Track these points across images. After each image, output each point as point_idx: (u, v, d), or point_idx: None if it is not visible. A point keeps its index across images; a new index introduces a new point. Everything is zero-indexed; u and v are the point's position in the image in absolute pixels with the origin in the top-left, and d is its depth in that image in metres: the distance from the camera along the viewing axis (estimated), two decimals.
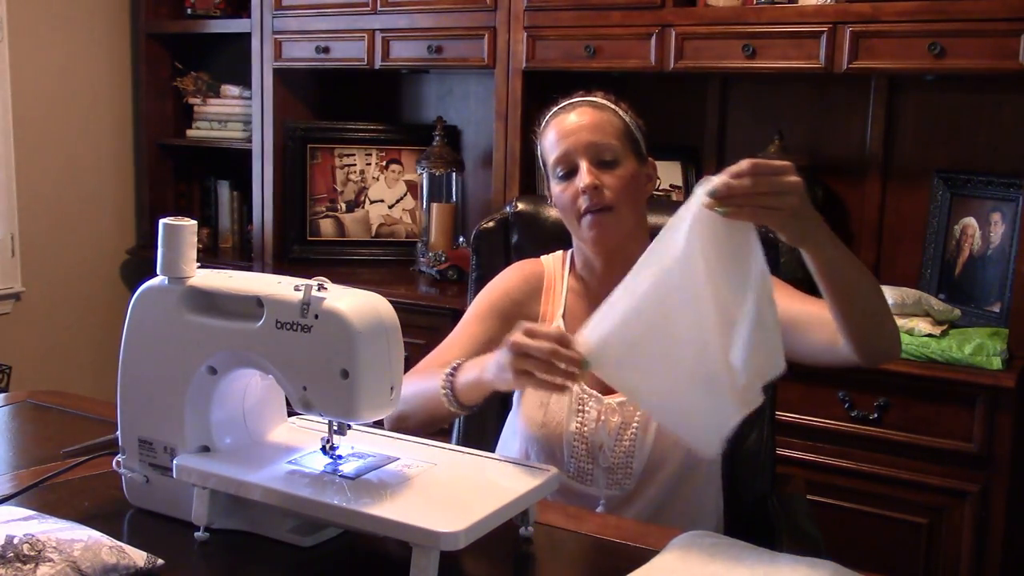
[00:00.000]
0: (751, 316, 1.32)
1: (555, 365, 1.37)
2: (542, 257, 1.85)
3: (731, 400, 1.34)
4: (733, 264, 1.33)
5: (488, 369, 1.49)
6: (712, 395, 1.34)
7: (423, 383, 1.61)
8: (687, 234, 1.32)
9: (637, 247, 1.61)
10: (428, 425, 1.61)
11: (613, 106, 1.73)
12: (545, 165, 1.75)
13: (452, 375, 1.57)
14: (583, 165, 1.66)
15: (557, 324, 1.74)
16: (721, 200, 1.28)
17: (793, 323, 1.57)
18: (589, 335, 1.39)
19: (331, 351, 1.24)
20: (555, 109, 1.75)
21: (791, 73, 2.86)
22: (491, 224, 2.03)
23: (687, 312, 1.33)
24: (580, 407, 1.68)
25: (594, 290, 1.75)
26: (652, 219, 1.85)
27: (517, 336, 1.41)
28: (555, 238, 1.90)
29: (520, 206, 2.02)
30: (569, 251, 1.83)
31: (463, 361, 1.58)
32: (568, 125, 1.69)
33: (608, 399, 1.67)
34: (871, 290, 1.48)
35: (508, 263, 1.91)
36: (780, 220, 1.33)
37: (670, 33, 2.84)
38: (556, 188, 1.71)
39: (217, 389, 1.36)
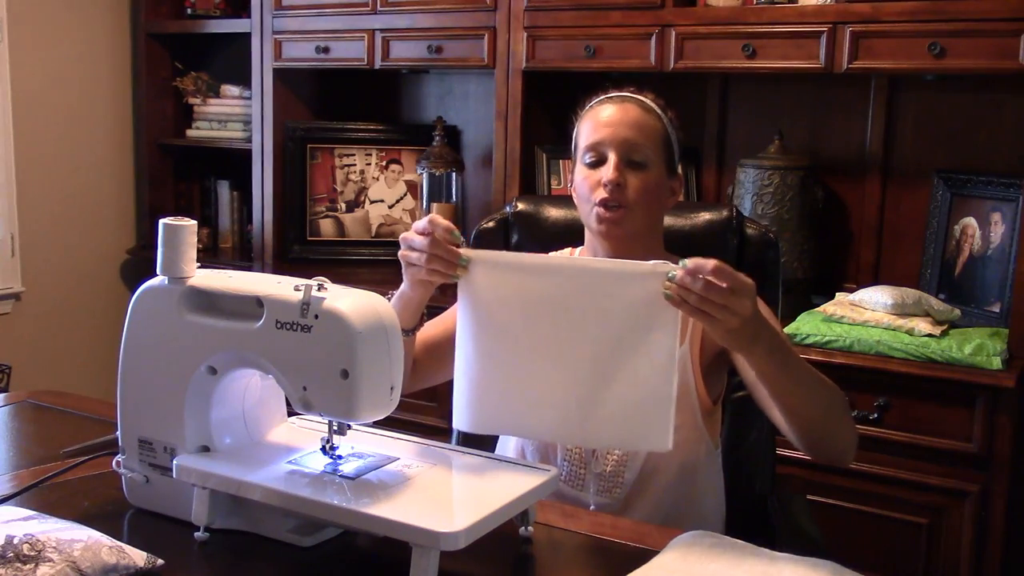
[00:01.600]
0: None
1: (436, 256, 1.46)
2: (551, 254, 1.84)
3: (645, 395, 1.40)
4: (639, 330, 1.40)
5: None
6: (621, 400, 1.41)
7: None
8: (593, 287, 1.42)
9: (645, 253, 1.64)
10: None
11: (659, 111, 1.71)
12: (576, 148, 1.73)
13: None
14: (612, 159, 1.65)
15: None
16: (673, 288, 1.35)
17: (756, 389, 1.61)
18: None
19: (331, 351, 1.25)
20: (603, 96, 1.73)
21: (791, 73, 2.86)
22: (491, 224, 2.03)
23: (558, 344, 1.43)
24: None
25: None
26: None
27: (406, 232, 1.50)
28: (555, 238, 1.90)
29: (520, 206, 2.02)
30: (577, 248, 1.82)
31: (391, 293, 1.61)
32: (609, 116, 1.68)
33: None
34: (816, 403, 1.51)
35: None
36: (716, 330, 1.37)
37: (670, 33, 2.83)
38: (580, 173, 1.70)
39: (217, 389, 1.36)
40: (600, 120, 1.69)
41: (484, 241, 2.02)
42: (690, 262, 1.34)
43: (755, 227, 1.91)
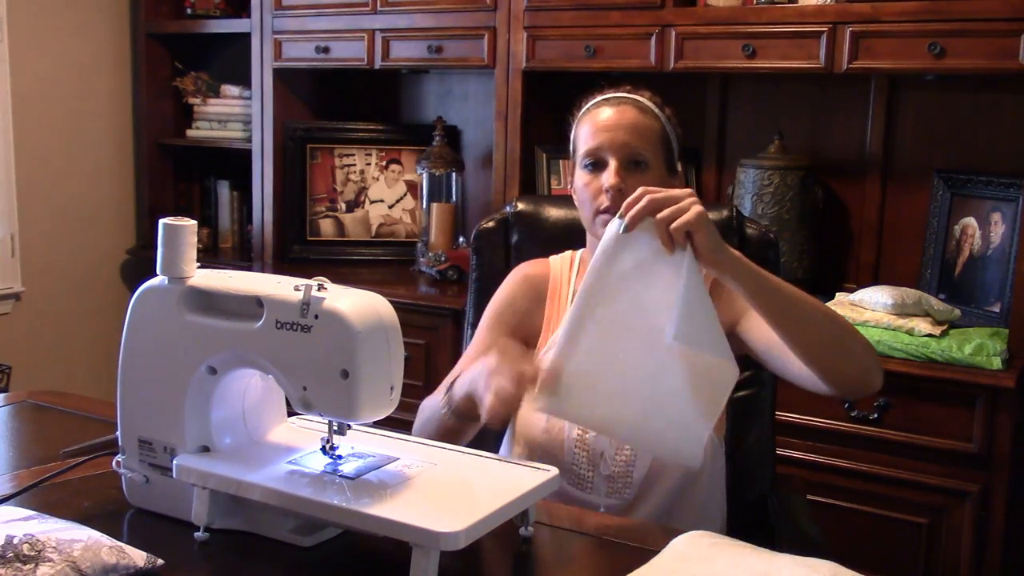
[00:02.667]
0: (684, 333, 1.37)
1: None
2: (551, 258, 1.84)
3: (695, 412, 1.40)
4: (659, 284, 1.40)
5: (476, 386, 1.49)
6: (675, 411, 1.41)
7: (427, 411, 1.65)
8: (612, 267, 1.42)
9: None
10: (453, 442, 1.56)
11: (657, 110, 1.70)
12: (574, 152, 1.73)
13: (449, 390, 1.59)
14: (612, 164, 1.64)
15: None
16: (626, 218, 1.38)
17: (769, 349, 1.59)
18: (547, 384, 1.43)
19: (331, 351, 1.24)
20: (599, 99, 1.72)
21: (791, 73, 2.86)
22: (491, 224, 2.03)
23: (631, 339, 1.41)
24: None
25: None
26: None
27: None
28: (555, 238, 1.90)
29: (520, 206, 2.02)
30: (578, 251, 1.82)
31: (455, 379, 1.60)
32: (606, 119, 1.67)
33: None
34: (820, 326, 1.47)
35: (508, 263, 1.90)
36: (693, 238, 1.37)
37: (670, 33, 2.84)
38: (580, 178, 1.69)
39: (217, 389, 1.36)
40: (597, 124, 1.68)
41: (484, 241, 2.02)
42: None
43: (755, 227, 1.91)
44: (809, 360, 1.48)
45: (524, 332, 1.76)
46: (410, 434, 1.50)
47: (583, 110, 1.73)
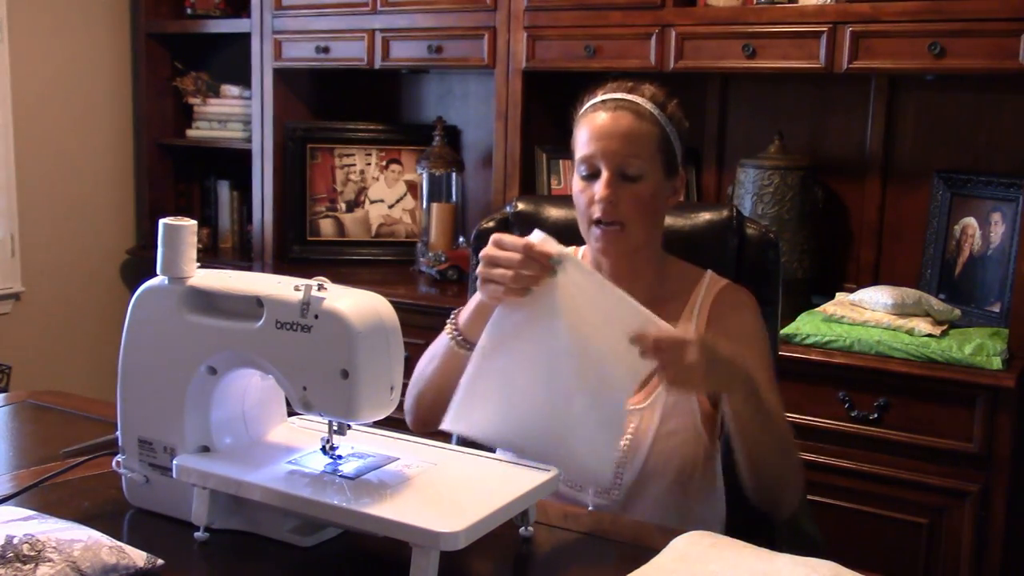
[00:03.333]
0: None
1: (521, 274, 1.43)
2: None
3: (601, 436, 1.44)
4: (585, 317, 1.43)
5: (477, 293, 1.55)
6: (582, 435, 1.43)
7: (429, 352, 1.66)
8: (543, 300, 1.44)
9: (645, 261, 1.69)
10: (446, 390, 1.55)
11: (657, 111, 1.67)
12: (573, 151, 1.70)
13: (454, 319, 1.62)
14: (604, 175, 1.62)
15: None
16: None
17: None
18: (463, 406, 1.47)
19: (331, 351, 1.25)
20: (596, 100, 1.68)
21: (791, 73, 2.86)
22: (491, 224, 2.02)
23: (543, 363, 1.44)
24: None
25: None
26: None
27: (488, 248, 1.48)
28: (555, 237, 1.89)
29: (520, 206, 2.01)
30: (580, 248, 1.81)
31: (459, 309, 1.62)
32: (602, 126, 1.64)
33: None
34: (772, 456, 1.54)
35: None
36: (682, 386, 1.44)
37: (670, 33, 2.84)
38: (577, 184, 1.68)
39: (217, 389, 1.36)
40: (593, 130, 1.65)
41: (483, 241, 2.01)
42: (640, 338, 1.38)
43: (755, 227, 1.90)
44: (747, 476, 1.56)
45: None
46: (412, 435, 1.49)
47: (582, 110, 1.70)
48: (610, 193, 1.61)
